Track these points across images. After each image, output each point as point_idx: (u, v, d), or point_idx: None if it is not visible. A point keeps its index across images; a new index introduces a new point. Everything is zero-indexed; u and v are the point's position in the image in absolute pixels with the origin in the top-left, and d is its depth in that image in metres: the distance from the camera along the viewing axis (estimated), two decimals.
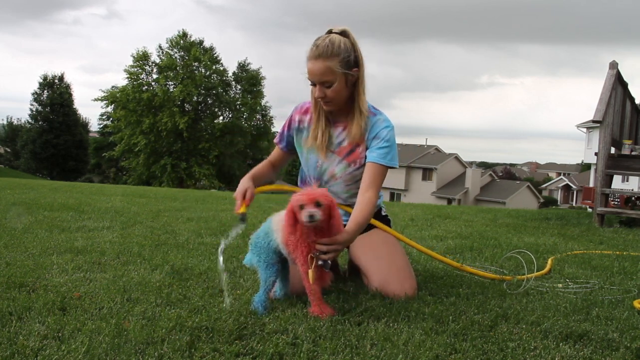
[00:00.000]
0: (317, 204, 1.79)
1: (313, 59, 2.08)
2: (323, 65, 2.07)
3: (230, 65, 39.13)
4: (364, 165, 2.28)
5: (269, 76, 37.73)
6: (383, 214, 2.50)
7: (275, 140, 2.45)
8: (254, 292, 2.09)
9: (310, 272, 1.84)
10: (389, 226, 2.45)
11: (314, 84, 2.14)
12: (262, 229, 2.03)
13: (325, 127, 2.26)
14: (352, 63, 2.12)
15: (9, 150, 48.37)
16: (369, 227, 2.39)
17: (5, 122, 48.38)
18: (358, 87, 2.18)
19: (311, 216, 1.77)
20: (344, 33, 2.14)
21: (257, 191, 2.23)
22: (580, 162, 61.30)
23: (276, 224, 1.97)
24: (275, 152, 2.45)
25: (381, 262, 2.19)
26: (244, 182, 2.17)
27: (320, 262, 1.85)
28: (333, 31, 2.15)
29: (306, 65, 2.12)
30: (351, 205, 2.33)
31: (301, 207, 1.80)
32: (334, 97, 2.14)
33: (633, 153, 6.24)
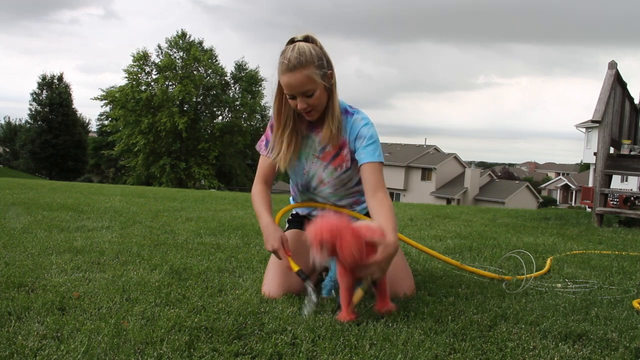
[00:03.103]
0: (322, 245, 1.72)
1: (289, 72, 1.99)
2: (301, 75, 1.98)
3: (227, 65, 39.19)
4: (350, 168, 2.24)
5: (266, 76, 37.67)
6: None
7: (262, 153, 2.29)
8: (253, 291, 2.10)
9: (356, 294, 1.82)
10: None
11: (292, 97, 2.05)
12: None
13: (291, 139, 2.18)
14: (325, 67, 2.06)
15: (7, 150, 48.35)
16: None
17: (3, 122, 48.46)
18: (332, 89, 2.11)
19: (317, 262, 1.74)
20: (308, 39, 2.07)
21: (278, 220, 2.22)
22: (579, 162, 61.40)
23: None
24: (266, 165, 2.28)
25: None
26: (273, 231, 2.09)
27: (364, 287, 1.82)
28: (296, 39, 2.07)
29: (280, 80, 2.04)
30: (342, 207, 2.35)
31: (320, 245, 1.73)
32: (317, 104, 2.07)
33: (632, 153, 6.25)
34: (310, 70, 1.99)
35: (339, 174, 2.26)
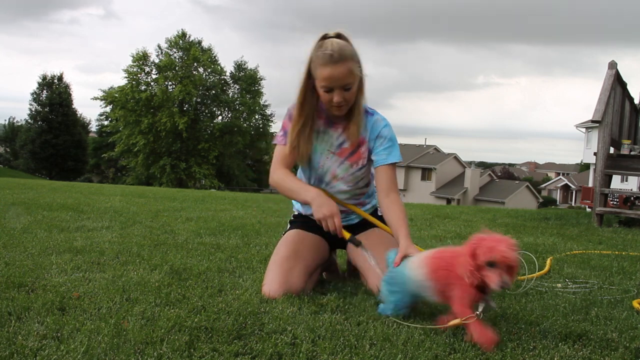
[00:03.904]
0: (510, 267, 1.55)
1: (332, 64, 2.01)
2: (345, 68, 2.03)
3: (227, 65, 39.25)
4: (365, 166, 2.29)
5: (265, 76, 38.07)
6: (379, 213, 2.49)
7: (281, 142, 2.25)
8: (253, 291, 2.09)
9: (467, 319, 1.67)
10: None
11: (329, 90, 2.06)
12: (398, 272, 1.87)
13: (310, 134, 2.20)
14: (359, 63, 2.11)
15: (8, 150, 48.36)
16: (368, 226, 2.38)
17: (6, 122, 48.48)
18: (362, 86, 2.16)
19: (504, 285, 1.54)
20: (340, 36, 2.10)
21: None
22: (579, 162, 61.37)
23: (415, 268, 1.79)
24: (285, 153, 2.25)
25: (379, 262, 2.18)
26: (327, 199, 2.08)
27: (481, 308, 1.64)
28: (329, 35, 2.10)
29: (320, 72, 2.04)
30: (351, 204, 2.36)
31: (491, 264, 1.56)
32: (351, 98, 2.11)
33: (632, 153, 6.25)
34: (351, 63, 2.04)
35: (354, 171, 2.29)
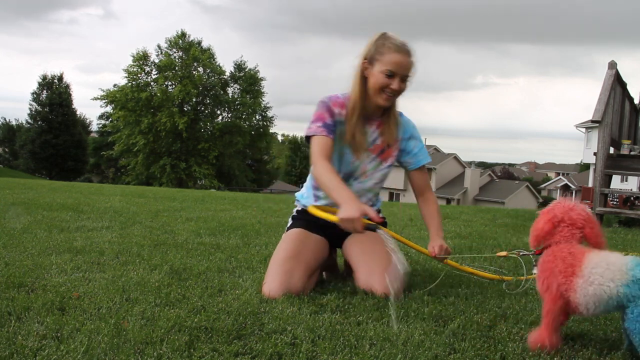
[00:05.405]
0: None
1: (403, 53, 2.17)
2: (411, 60, 2.20)
3: (227, 65, 39.24)
4: (392, 165, 2.39)
5: (266, 76, 38.04)
6: (380, 215, 2.49)
7: (322, 133, 2.20)
8: (253, 291, 2.10)
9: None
10: (385, 227, 2.44)
11: (391, 76, 2.17)
12: None
13: (362, 126, 2.30)
14: None
15: (7, 150, 48.36)
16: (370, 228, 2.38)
17: (2, 122, 48.52)
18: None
19: None
20: None
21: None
22: (579, 162, 61.37)
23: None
24: (327, 144, 2.20)
25: (367, 257, 2.20)
26: (356, 204, 1.96)
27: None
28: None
29: (389, 57, 2.16)
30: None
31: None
32: (404, 91, 2.24)
33: (632, 153, 6.25)
34: (414, 60, 2.22)
35: (383, 168, 2.37)
